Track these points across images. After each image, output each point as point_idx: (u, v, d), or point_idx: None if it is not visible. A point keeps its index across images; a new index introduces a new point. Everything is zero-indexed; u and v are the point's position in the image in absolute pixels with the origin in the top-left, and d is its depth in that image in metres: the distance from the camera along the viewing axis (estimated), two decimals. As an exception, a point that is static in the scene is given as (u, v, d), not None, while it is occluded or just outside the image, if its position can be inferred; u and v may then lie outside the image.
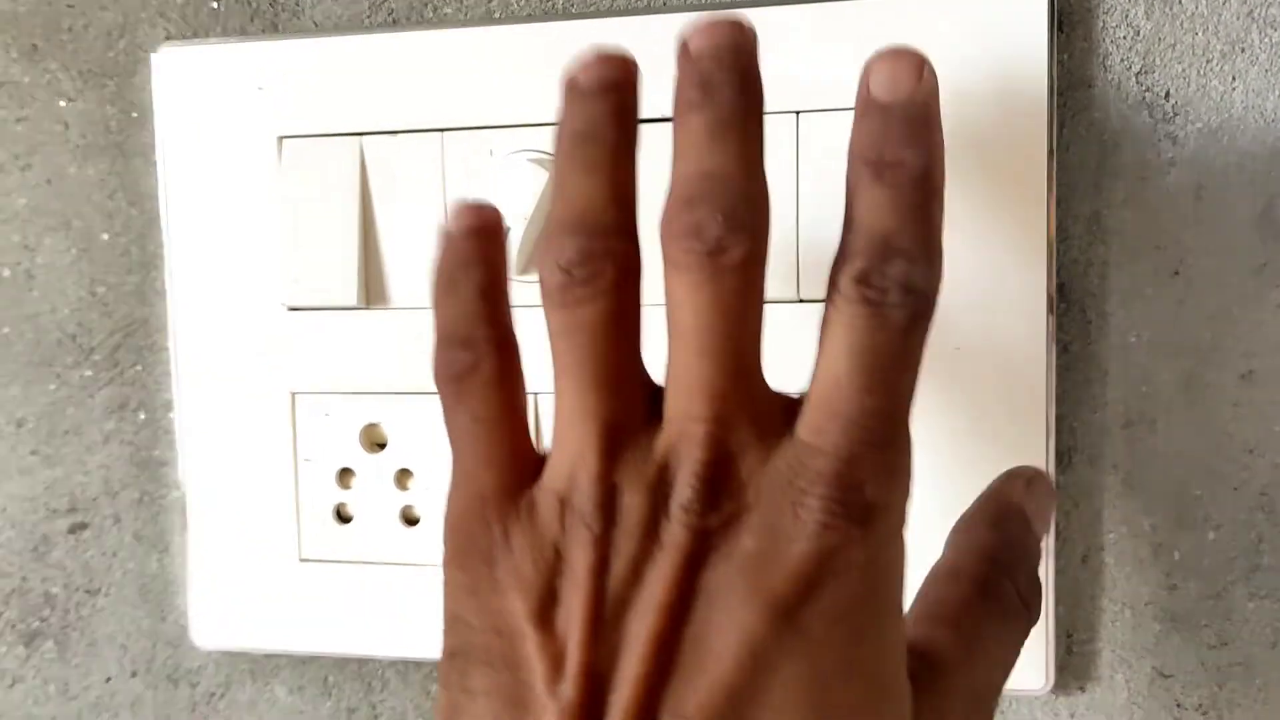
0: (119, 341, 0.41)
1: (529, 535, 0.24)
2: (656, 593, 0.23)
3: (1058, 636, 0.34)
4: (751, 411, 0.24)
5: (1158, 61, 0.33)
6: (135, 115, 0.40)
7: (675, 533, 0.23)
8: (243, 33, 0.38)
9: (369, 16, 0.38)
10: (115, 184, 0.40)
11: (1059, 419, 0.34)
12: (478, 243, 0.27)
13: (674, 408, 0.24)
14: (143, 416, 0.41)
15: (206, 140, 0.38)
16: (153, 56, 0.38)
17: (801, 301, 0.35)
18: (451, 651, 0.25)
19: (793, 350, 0.34)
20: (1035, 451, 0.33)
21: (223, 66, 0.38)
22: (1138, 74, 0.33)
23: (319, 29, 0.38)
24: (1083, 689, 0.35)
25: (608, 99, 0.26)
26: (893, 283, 0.23)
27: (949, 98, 0.32)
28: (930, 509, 0.34)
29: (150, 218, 0.40)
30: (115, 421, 0.41)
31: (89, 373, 0.41)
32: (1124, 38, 0.33)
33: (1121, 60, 0.33)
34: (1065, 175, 0.34)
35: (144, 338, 0.41)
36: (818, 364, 0.24)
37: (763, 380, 0.25)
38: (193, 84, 0.38)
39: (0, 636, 0.43)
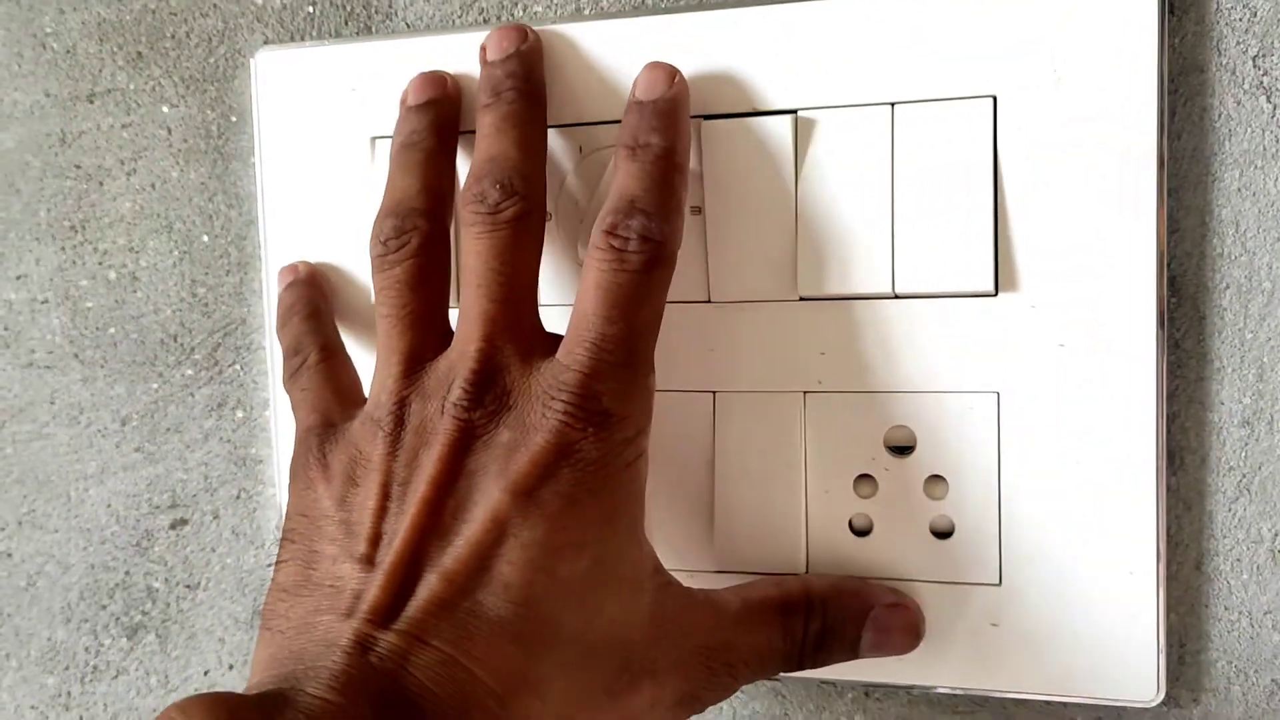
0: (218, 341, 0.42)
1: (340, 446, 0.31)
2: (428, 471, 0.29)
3: (1169, 646, 0.33)
4: (518, 336, 0.31)
5: (1276, 44, 0.31)
6: (234, 119, 0.41)
7: (446, 424, 0.30)
8: (337, 35, 0.39)
9: (460, 16, 0.38)
10: (215, 187, 0.41)
11: (1170, 418, 0.33)
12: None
13: (459, 335, 0.31)
14: (241, 415, 0.42)
15: (303, 141, 0.38)
16: (252, 61, 0.39)
17: (801, 300, 0.34)
18: (278, 542, 0.34)
19: (789, 345, 0.34)
20: (1144, 451, 0.32)
21: (318, 69, 0.38)
22: (1254, 58, 0.31)
23: (411, 30, 0.38)
24: (1196, 701, 0.33)
25: (426, 114, 0.35)
26: (634, 233, 0.30)
27: (1055, 83, 0.31)
28: (1037, 506, 0.33)
29: (249, 219, 0.41)
30: (214, 420, 0.42)
31: (190, 372, 0.42)
32: (1239, 20, 0.31)
33: (1237, 44, 0.32)
34: (1176, 165, 0.32)
35: (242, 337, 0.41)
36: (575, 304, 0.30)
37: (534, 315, 0.32)
38: (290, 87, 0.38)
39: (105, 629, 0.44)
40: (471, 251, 0.31)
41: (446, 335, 0.32)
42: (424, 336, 0.32)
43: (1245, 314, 0.32)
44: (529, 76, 0.34)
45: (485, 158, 0.32)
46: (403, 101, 0.35)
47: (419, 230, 0.32)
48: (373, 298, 0.33)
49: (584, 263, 0.31)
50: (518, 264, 0.31)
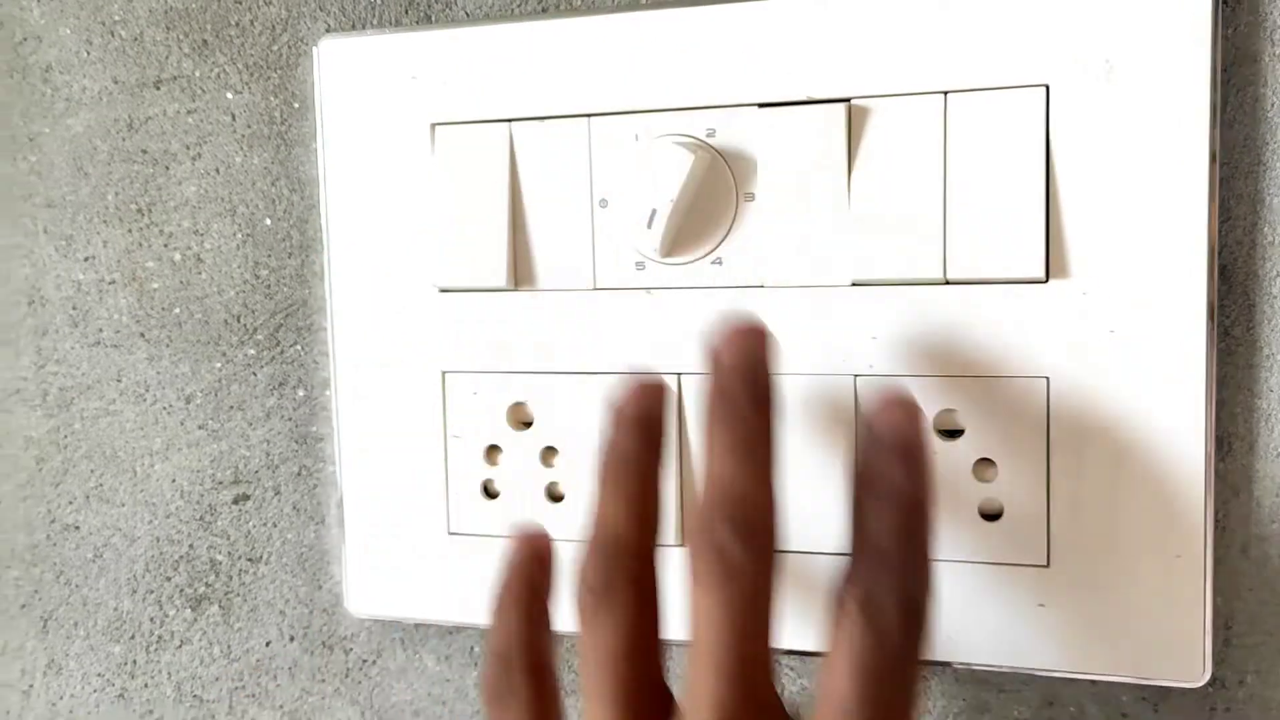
0: (280, 322, 0.43)
1: None
2: None
3: (1215, 628, 0.33)
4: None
5: (1331, 33, 0.32)
6: (296, 106, 0.42)
7: None
8: (398, 24, 0.40)
9: (519, 5, 0.39)
10: (278, 171, 0.42)
11: (1219, 404, 0.33)
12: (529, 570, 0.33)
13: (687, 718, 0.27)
14: (302, 393, 0.43)
15: (364, 128, 0.39)
16: (314, 49, 0.40)
17: (853, 285, 0.35)
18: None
19: (840, 330, 0.35)
20: (1193, 437, 0.32)
21: (379, 57, 0.39)
22: (1309, 47, 0.32)
23: (470, 18, 0.39)
24: (1242, 682, 0.34)
25: (643, 430, 0.31)
26: (889, 599, 0.26)
27: (1108, 72, 0.31)
28: (1086, 490, 0.33)
29: (310, 203, 0.42)
30: (276, 398, 0.43)
31: (252, 351, 0.43)
32: (1294, 9, 0.32)
33: (1291, 33, 0.32)
34: (1228, 154, 0.32)
35: (303, 318, 0.42)
36: (822, 678, 0.27)
37: (770, 691, 0.28)
38: (351, 74, 0.39)
39: (170, 600, 0.45)
40: (701, 610, 0.27)
41: (665, 704, 0.30)
42: (642, 717, 0.29)
43: (1296, 302, 0.32)
44: (763, 390, 0.29)
45: (721, 488, 0.28)
46: (613, 412, 0.31)
47: (632, 578, 0.29)
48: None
49: (831, 625, 0.27)
50: (757, 628, 0.27)
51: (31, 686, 0.48)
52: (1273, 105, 0.32)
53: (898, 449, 0.28)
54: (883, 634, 0.26)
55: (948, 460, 0.34)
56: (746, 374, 0.29)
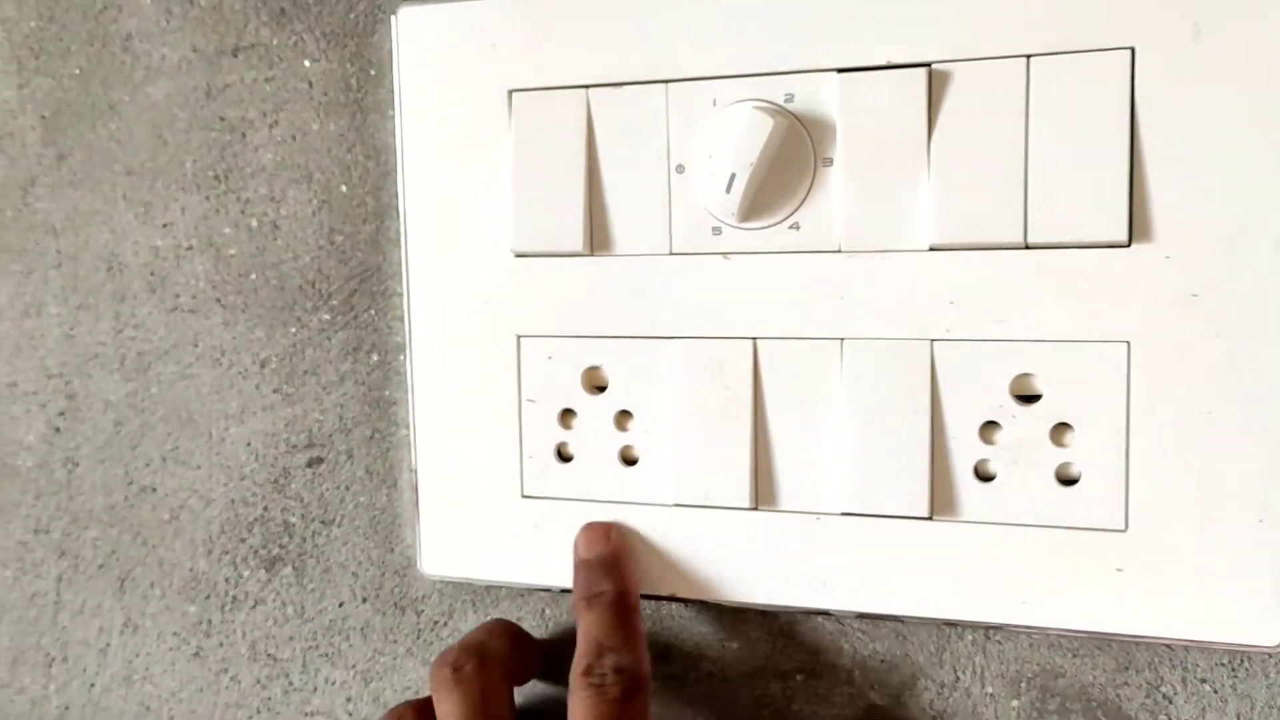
0: (354, 287, 0.43)
1: None
2: None
3: (1295, 594, 0.33)
4: None
5: None
6: (373, 73, 0.42)
7: None
8: (475, -8, 0.40)
9: (596, -28, 0.39)
10: (354, 138, 0.43)
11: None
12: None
13: None
14: (375, 358, 0.43)
15: (441, 95, 0.40)
16: (394, 17, 0.40)
17: (931, 250, 0.35)
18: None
19: (918, 294, 0.35)
20: (1276, 400, 0.32)
21: (457, 24, 0.39)
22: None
23: (548, -14, 0.39)
24: (1320, 649, 0.34)
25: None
26: (608, 669, 0.34)
27: (1194, 36, 0.31)
28: (1166, 454, 0.33)
29: (385, 170, 0.42)
30: (350, 363, 0.44)
31: (326, 316, 0.44)
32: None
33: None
34: (1317, 116, 0.32)
35: (377, 284, 0.43)
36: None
37: None
38: (429, 42, 0.40)
39: (244, 561, 0.46)
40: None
41: None
42: None
43: (1384, 266, 0.32)
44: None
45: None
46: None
47: (485, 663, 0.37)
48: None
49: (570, 703, 0.34)
50: None
51: (109, 645, 0.49)
52: (1363, 68, 0.32)
53: (594, 561, 0.37)
54: (603, 692, 0.33)
55: (1026, 425, 0.35)
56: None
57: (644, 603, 0.41)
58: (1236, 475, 0.33)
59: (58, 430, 0.48)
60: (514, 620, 0.43)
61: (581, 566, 0.38)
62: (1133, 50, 0.33)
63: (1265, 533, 0.33)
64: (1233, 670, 0.34)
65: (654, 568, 0.39)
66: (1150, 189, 0.33)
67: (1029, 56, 0.33)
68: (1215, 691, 0.35)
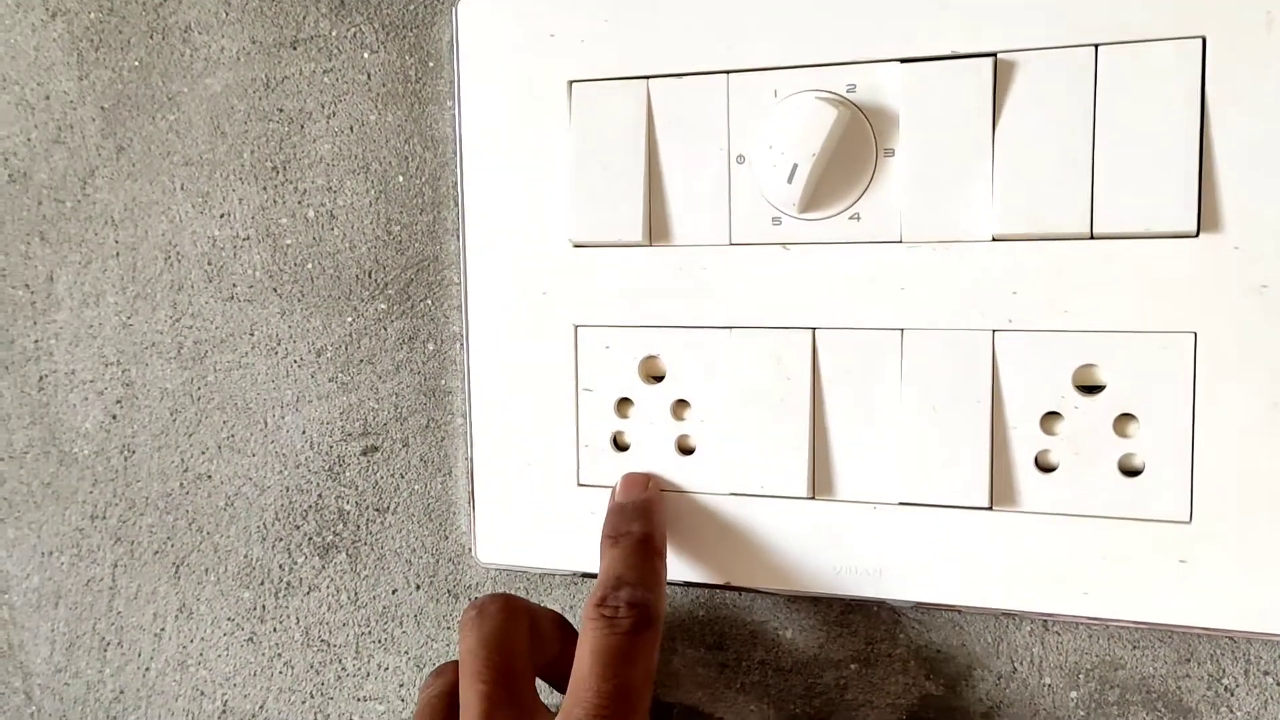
0: (411, 277, 0.44)
1: None
2: None
3: (1362, 587, 0.33)
4: (515, 707, 0.35)
5: None
6: (431, 64, 0.43)
7: None
8: (535, -17, 0.41)
9: (656, -37, 0.39)
10: (411, 129, 0.43)
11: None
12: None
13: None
14: (431, 347, 0.44)
15: (501, 86, 0.40)
16: (455, 9, 0.40)
17: (994, 240, 0.35)
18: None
19: (980, 284, 0.35)
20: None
21: (517, 15, 0.40)
22: None
23: (607, -23, 0.40)
24: (1387, 643, 0.34)
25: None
26: (621, 601, 0.34)
27: (1268, 25, 0.31)
28: (1232, 446, 0.33)
29: (442, 160, 0.43)
30: (406, 352, 0.44)
31: (383, 306, 0.44)
32: None
33: None
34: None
35: (434, 274, 0.43)
36: (572, 672, 0.34)
37: (528, 695, 0.35)
38: (490, 33, 0.40)
39: (298, 548, 0.47)
40: (585, 651, 0.34)
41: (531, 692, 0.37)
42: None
43: None
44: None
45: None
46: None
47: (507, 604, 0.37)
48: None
49: (579, 636, 0.34)
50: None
51: (164, 630, 0.49)
52: None
53: (628, 504, 0.38)
54: (613, 624, 0.33)
55: (1089, 416, 0.35)
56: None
57: (698, 590, 0.41)
58: (1304, 467, 0.33)
59: (115, 418, 0.49)
60: (564, 608, 0.43)
61: (614, 509, 0.38)
62: (1204, 40, 0.32)
63: (1332, 525, 0.32)
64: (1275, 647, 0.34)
65: (709, 555, 0.39)
66: (1220, 179, 0.33)
67: (1097, 46, 0.33)
68: (1279, 684, 0.35)
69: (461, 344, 0.42)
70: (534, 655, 0.37)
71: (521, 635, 0.37)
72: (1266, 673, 0.35)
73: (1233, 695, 0.35)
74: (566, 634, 0.39)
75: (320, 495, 0.46)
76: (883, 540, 0.37)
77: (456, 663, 0.38)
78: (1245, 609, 0.33)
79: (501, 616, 0.36)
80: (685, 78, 0.38)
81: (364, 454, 0.45)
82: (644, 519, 0.37)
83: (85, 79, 0.48)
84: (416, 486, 0.45)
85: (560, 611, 0.43)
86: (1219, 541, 0.33)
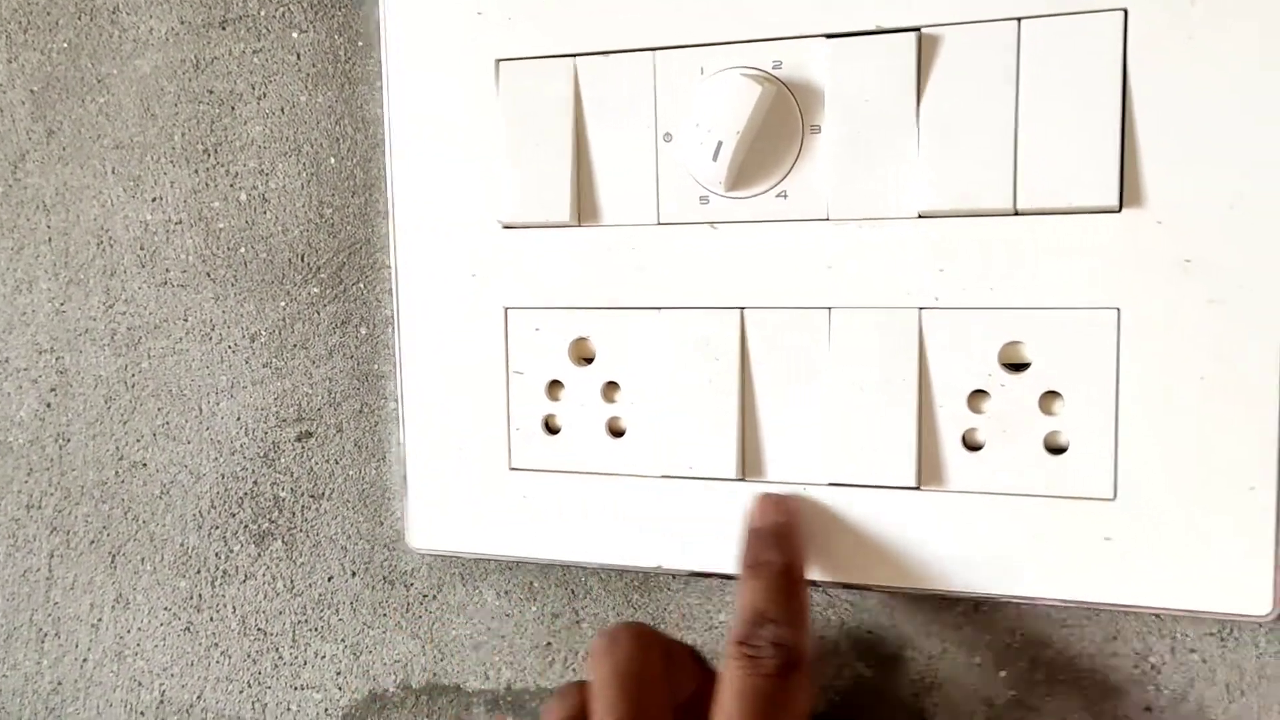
0: (343, 261, 0.43)
1: None
2: None
3: (1285, 563, 0.33)
4: None
5: None
6: (360, 44, 0.42)
7: None
8: (462, -40, 0.40)
9: (583, -60, 0.39)
10: (342, 110, 0.43)
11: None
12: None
13: None
14: (364, 331, 0.43)
15: (428, 65, 0.40)
16: (380, -15, 0.40)
17: (920, 217, 0.35)
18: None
19: (906, 262, 0.34)
20: (1269, 367, 0.32)
21: (444, -7, 0.39)
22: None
23: (535, -46, 0.39)
24: (1311, 619, 0.33)
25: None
26: (764, 641, 0.31)
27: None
28: (1156, 422, 0.33)
29: (373, 142, 0.42)
30: (339, 336, 0.44)
31: (316, 290, 0.44)
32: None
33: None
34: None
35: (366, 256, 0.43)
36: (713, 712, 0.31)
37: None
38: (416, 11, 0.40)
39: (234, 536, 0.46)
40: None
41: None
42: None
43: (1376, 231, 0.32)
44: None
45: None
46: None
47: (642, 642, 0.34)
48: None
49: (720, 677, 0.32)
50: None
51: (100, 620, 0.49)
52: (1356, 30, 0.31)
53: (765, 529, 0.35)
54: (758, 665, 0.31)
55: (1015, 393, 0.34)
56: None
57: (633, 575, 0.41)
58: (1227, 443, 0.32)
59: (49, 406, 0.48)
60: (500, 594, 0.42)
61: (750, 535, 0.36)
62: (1125, 12, 0.32)
63: (1256, 500, 0.32)
64: (1221, 640, 0.34)
65: (643, 540, 0.39)
66: (1142, 154, 0.32)
67: (1020, 19, 0.33)
68: (1204, 661, 0.35)
69: (394, 328, 0.42)
70: (669, 692, 0.34)
71: (656, 668, 0.34)
72: (1192, 650, 0.35)
73: (1159, 673, 0.35)
74: (703, 670, 0.36)
75: (256, 482, 0.46)
76: (813, 521, 0.37)
77: (582, 684, 0.35)
78: (1170, 587, 0.33)
79: (634, 646, 0.34)
80: (612, 55, 0.38)
81: (299, 440, 0.45)
82: (783, 546, 0.35)
83: (14, 61, 0.47)
84: (351, 472, 0.44)
85: (499, 599, 0.43)
86: (1143, 519, 0.33)
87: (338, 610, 0.45)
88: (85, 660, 0.49)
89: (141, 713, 0.48)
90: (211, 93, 0.44)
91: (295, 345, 0.44)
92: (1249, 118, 0.31)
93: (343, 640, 0.45)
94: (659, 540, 0.39)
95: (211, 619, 0.47)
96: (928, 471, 0.35)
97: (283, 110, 0.43)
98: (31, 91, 0.47)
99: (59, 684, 0.50)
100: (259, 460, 0.45)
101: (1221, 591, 0.33)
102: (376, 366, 0.43)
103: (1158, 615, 0.35)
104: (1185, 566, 0.33)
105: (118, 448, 0.47)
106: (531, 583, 0.42)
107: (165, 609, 0.48)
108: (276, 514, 0.45)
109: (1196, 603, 0.33)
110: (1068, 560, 0.34)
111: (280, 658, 0.46)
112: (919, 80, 0.34)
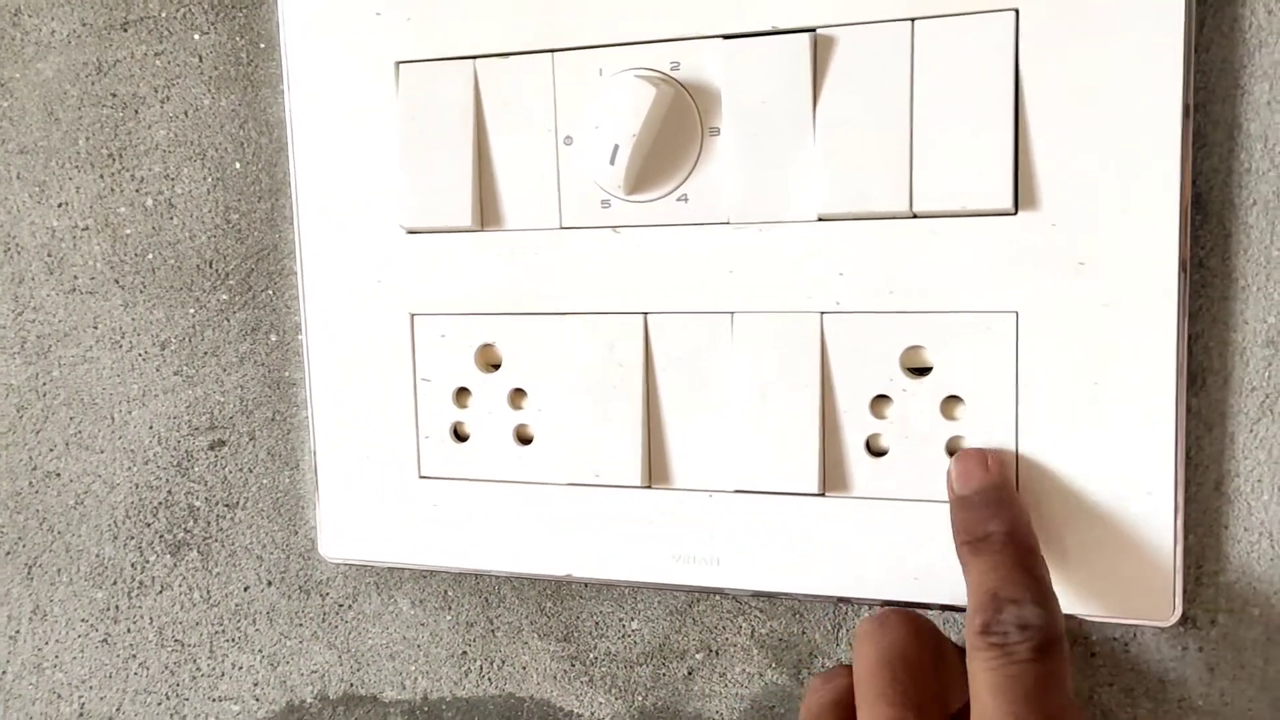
0: (251, 266, 0.42)
1: None
2: None
3: (1186, 567, 0.33)
4: None
5: (1312, -49, 0.30)
6: (263, 46, 0.41)
7: None
8: (362, -40, 0.39)
9: (482, -62, 0.38)
10: (246, 114, 0.42)
11: (1192, 338, 0.32)
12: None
13: None
14: (274, 338, 0.43)
15: (328, 68, 0.39)
16: (277, -14, 0.39)
17: (820, 220, 0.34)
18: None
19: (807, 266, 0.34)
20: (1165, 371, 0.31)
21: (343, -6, 0.38)
22: (1289, -34, 0.31)
23: (434, -47, 0.38)
24: (1214, 622, 0.33)
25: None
26: (1009, 625, 0.28)
27: (1074, -5, 0.30)
28: (1055, 427, 0.33)
29: (279, 146, 0.41)
30: (249, 343, 0.43)
31: (225, 297, 0.43)
32: (1274, -74, 0.30)
33: (1270, -49, 0.31)
34: (1204, 78, 0.31)
35: (274, 262, 0.42)
36: (973, 715, 0.28)
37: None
38: (315, 12, 0.39)
39: (150, 546, 0.45)
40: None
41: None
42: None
43: (1273, 231, 0.31)
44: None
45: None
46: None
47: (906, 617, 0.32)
48: None
49: (972, 674, 0.29)
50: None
51: (18, 632, 0.48)
52: (1251, 26, 0.31)
53: (974, 496, 0.31)
54: (1009, 652, 0.28)
55: (917, 398, 0.34)
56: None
57: (544, 583, 0.40)
58: (1124, 447, 0.32)
59: (-39, 416, 0.48)
60: (415, 603, 0.42)
61: (958, 505, 0.32)
62: (1016, 12, 0.32)
63: (1154, 505, 0.32)
64: (1125, 646, 0.34)
65: (551, 547, 0.38)
66: (1035, 155, 0.32)
67: (914, 20, 0.33)
68: (1106, 665, 0.34)
69: (303, 335, 0.41)
70: (942, 688, 0.31)
71: (927, 658, 0.31)
72: (1094, 654, 0.34)
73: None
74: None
75: (170, 491, 0.45)
76: (719, 528, 0.36)
77: (846, 668, 0.33)
78: (1074, 593, 0.33)
79: (905, 629, 0.32)
80: (511, 57, 0.37)
81: (211, 448, 0.44)
82: (1002, 511, 0.31)
83: (-85, 65, 0.46)
84: (265, 481, 0.44)
85: (414, 608, 0.42)
86: (1044, 524, 0.33)
87: (254, 620, 0.44)
88: (4, 673, 0.48)
89: (61, 725, 0.48)
90: (115, 96, 0.43)
91: (206, 353, 0.44)
92: (1141, 118, 0.31)
93: (260, 651, 0.44)
94: (569, 548, 0.38)
95: (129, 630, 0.46)
96: (832, 478, 0.35)
97: (186, 114, 0.42)
98: (-67, 96, 0.46)
99: (-21, 697, 0.49)
100: (172, 469, 0.45)
101: (1125, 598, 0.33)
102: (287, 374, 0.43)
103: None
104: (1087, 573, 0.33)
105: (30, 457, 0.47)
106: (446, 591, 0.42)
107: (83, 620, 0.47)
108: (191, 523, 0.45)
109: (1099, 609, 0.33)
110: (971, 566, 0.34)
111: (198, 669, 0.45)
112: (815, 81, 0.33)
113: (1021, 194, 0.32)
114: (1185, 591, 0.33)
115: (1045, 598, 0.29)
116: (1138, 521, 0.32)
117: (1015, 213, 0.32)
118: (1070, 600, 0.33)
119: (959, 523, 0.32)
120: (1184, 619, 0.33)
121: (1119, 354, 0.32)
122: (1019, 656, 0.28)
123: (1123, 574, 0.33)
